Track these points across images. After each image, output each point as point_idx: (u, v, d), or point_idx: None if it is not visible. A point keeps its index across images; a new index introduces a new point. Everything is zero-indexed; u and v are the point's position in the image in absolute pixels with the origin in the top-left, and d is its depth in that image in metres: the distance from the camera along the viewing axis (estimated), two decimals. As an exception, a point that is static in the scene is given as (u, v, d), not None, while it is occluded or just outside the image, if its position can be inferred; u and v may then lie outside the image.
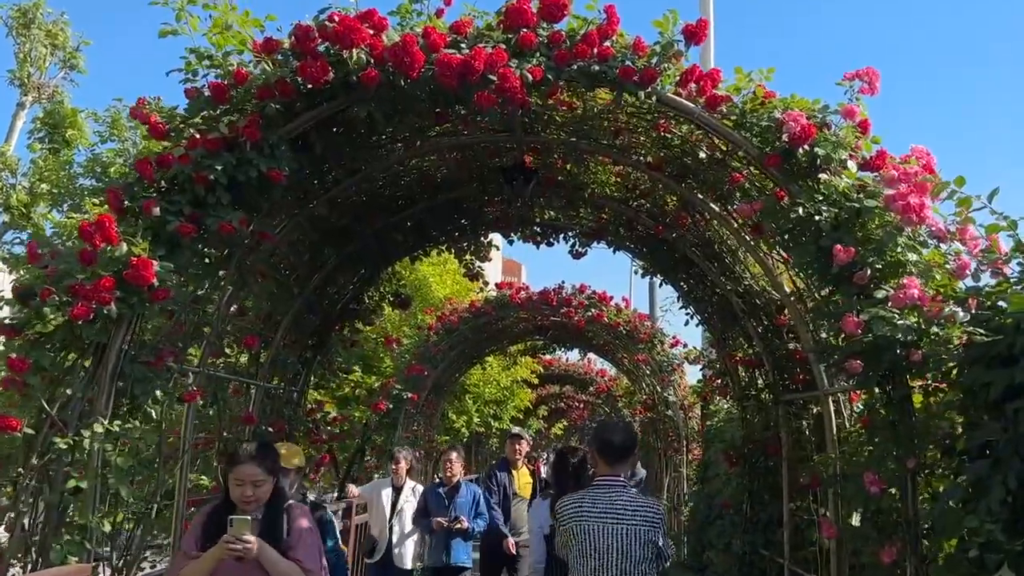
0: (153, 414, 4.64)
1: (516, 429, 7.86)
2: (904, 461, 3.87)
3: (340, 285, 7.08)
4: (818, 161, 4.06)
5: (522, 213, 7.09)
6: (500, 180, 5.92)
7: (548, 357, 20.85)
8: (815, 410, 5.46)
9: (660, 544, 3.70)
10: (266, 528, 3.24)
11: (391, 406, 11.52)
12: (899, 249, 3.82)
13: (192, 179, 4.04)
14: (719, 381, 7.40)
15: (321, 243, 6.02)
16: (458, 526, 6.92)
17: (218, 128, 4.04)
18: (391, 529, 7.15)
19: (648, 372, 12.13)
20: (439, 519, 6.88)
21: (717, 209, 5.29)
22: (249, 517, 3.15)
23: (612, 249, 7.29)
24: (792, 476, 5.95)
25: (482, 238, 7.57)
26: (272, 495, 3.33)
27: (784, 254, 5.04)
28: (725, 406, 10.49)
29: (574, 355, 19.06)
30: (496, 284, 11.88)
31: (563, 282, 11.68)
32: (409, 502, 7.24)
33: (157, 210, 3.95)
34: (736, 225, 5.26)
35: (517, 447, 7.52)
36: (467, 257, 7.66)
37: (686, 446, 11.40)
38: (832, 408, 5.07)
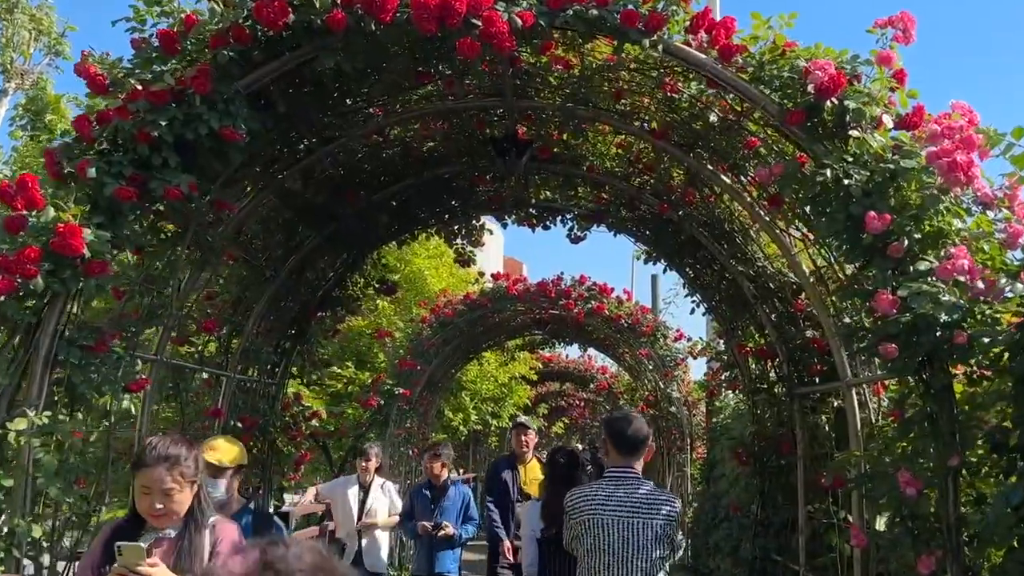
0: (109, 406, 4.20)
1: (522, 418, 7.26)
2: (945, 459, 3.38)
3: (320, 270, 6.59)
4: (847, 118, 3.56)
5: (517, 194, 6.60)
6: (491, 152, 5.42)
7: (547, 353, 20.38)
8: (836, 403, 4.96)
9: (676, 540, 3.64)
10: (181, 552, 2.59)
11: (382, 402, 11.02)
12: (942, 216, 3.33)
13: (134, 136, 3.55)
14: (727, 374, 6.90)
15: (296, 222, 5.53)
16: (442, 533, 6.42)
17: (163, 79, 3.55)
18: (360, 531, 6.68)
19: (651, 367, 11.63)
20: (424, 523, 6.40)
21: (728, 181, 4.79)
22: (143, 544, 2.49)
23: (613, 232, 6.80)
24: (808, 476, 5.46)
25: (474, 221, 7.08)
26: (192, 508, 2.66)
27: (804, 230, 4.55)
28: (732, 402, 10.01)
29: (574, 351, 18.58)
30: (492, 275, 11.39)
31: (562, 273, 11.19)
32: (380, 501, 6.76)
33: (92, 171, 3.46)
34: (750, 199, 4.76)
35: (524, 438, 6.88)
36: (458, 242, 7.16)
37: (690, 444, 10.90)
38: (856, 401, 4.57)
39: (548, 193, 6.72)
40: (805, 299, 5.11)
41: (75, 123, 3.70)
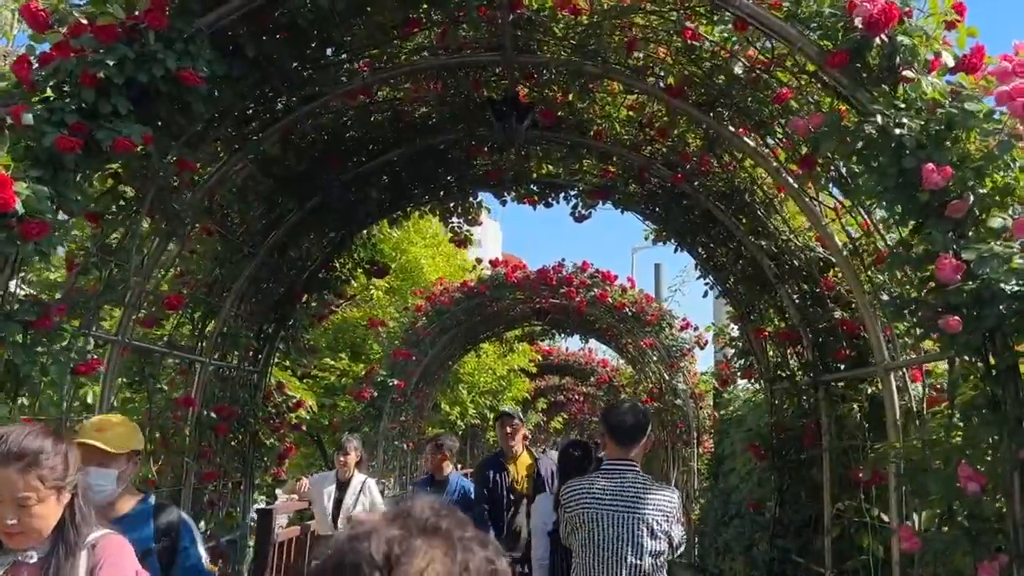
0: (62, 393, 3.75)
1: (507, 408, 6.69)
2: (1011, 450, 2.93)
3: (305, 250, 6.12)
4: (897, 59, 3.10)
5: (517, 168, 6.13)
6: (489, 118, 4.95)
7: (547, 346, 19.93)
8: (870, 390, 4.50)
9: (675, 536, 3.44)
10: None
11: (375, 394, 10.57)
12: (1011, 169, 2.88)
13: (78, 79, 3.08)
14: (742, 362, 6.44)
15: (275, 192, 5.05)
16: None
17: (110, 12, 3.07)
18: (336, 529, 6.24)
19: (655, 358, 11.17)
20: None
21: (752, 144, 4.32)
22: None
23: (620, 209, 6.33)
24: (835, 470, 5.02)
25: (470, 198, 6.61)
26: (62, 522, 2.03)
27: (837, 199, 4.09)
28: (741, 394, 9.55)
29: (574, 343, 18.14)
30: (490, 261, 10.93)
31: (563, 259, 10.72)
32: (360, 498, 6.31)
33: (29, 117, 2.98)
34: (776, 164, 4.30)
35: (508, 429, 5.94)
36: (454, 221, 6.69)
37: (696, 438, 10.45)
38: (894, 387, 4.12)
39: (550, 167, 6.25)
40: (835, 276, 4.65)
41: (14, 66, 3.23)
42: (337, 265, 6.43)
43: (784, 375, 5.54)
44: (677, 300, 11.67)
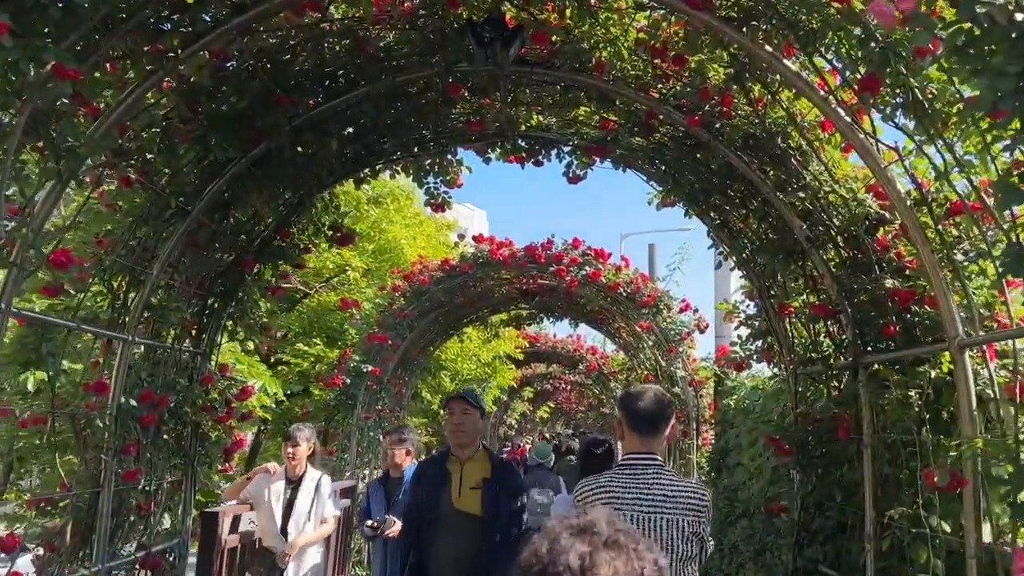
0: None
1: (464, 388, 5.26)
2: None
3: (255, 211, 5.24)
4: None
5: (502, 118, 5.27)
6: (469, 44, 4.09)
7: (534, 332, 19.12)
8: (933, 374, 3.68)
9: (704, 537, 3.05)
10: None
11: (348, 381, 9.71)
12: None
13: None
14: (758, 343, 5.63)
15: (211, 135, 4.16)
16: (390, 532, 5.12)
17: None
18: (286, 536, 5.41)
19: (651, 343, 10.36)
20: (370, 521, 5.15)
21: (795, 68, 3.48)
22: None
23: (621, 168, 5.48)
24: (877, 469, 4.22)
25: (448, 155, 5.74)
26: None
27: (904, 129, 3.26)
28: (747, 381, 8.76)
29: (563, 329, 17.34)
30: (473, 237, 10.06)
31: (553, 235, 9.88)
32: (314, 499, 5.49)
33: None
34: (824, 93, 3.46)
35: (454, 419, 4.22)
36: (429, 181, 5.82)
37: (697, 429, 9.65)
38: (969, 369, 3.32)
39: (541, 118, 5.39)
40: (890, 233, 3.84)
41: None
42: (294, 231, 5.56)
43: (815, 357, 4.73)
44: (676, 280, 11.01)
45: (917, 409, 3.72)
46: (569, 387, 27.50)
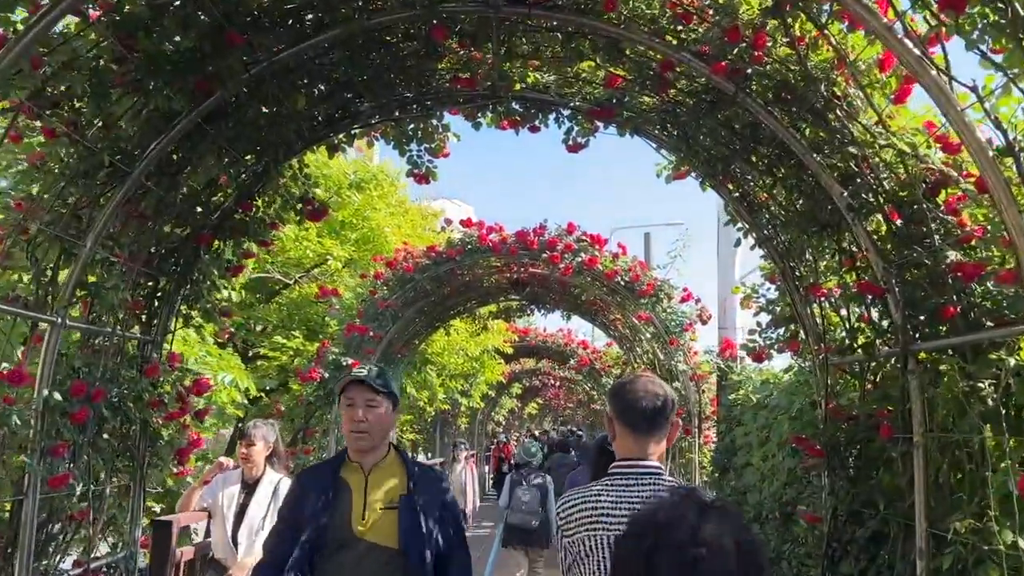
0: None
1: (359, 370, 3.24)
2: None
3: (212, 179, 4.60)
4: None
5: (494, 76, 4.64)
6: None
7: (523, 326, 18.53)
8: (1012, 361, 3.09)
9: None
10: None
11: (326, 375, 9.06)
12: None
13: None
14: (780, 332, 5.03)
15: (151, 79, 3.51)
16: None
17: None
18: (236, 546, 4.78)
19: (649, 335, 9.75)
20: None
21: (851, -7, 2.87)
22: None
23: (628, 133, 4.86)
24: (929, 473, 3.64)
25: (433, 120, 5.11)
26: None
27: (989, 62, 2.65)
28: (754, 375, 8.18)
29: (553, 323, 16.74)
30: (461, 222, 9.43)
31: (546, 220, 9.26)
32: (270, 504, 4.88)
33: None
34: (887, 20, 2.85)
35: (360, 414, 2.99)
36: (412, 149, 5.19)
37: (699, 427, 9.06)
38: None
39: (538, 76, 4.77)
40: (956, 195, 3.24)
41: None
42: (259, 203, 4.91)
43: (854, 345, 4.13)
44: (677, 267, 10.39)
45: (992, 403, 3.13)
46: (558, 383, 26.94)
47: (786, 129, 3.85)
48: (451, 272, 9.60)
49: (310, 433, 9.25)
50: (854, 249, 4.08)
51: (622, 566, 1.42)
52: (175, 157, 4.15)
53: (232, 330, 5.61)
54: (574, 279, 9.62)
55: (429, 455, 19.41)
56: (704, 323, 9.25)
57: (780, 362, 8.80)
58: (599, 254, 9.08)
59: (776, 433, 6.37)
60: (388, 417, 3.01)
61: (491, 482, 22.65)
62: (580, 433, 23.91)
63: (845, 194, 3.77)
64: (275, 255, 14.29)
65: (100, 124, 3.61)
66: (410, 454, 3.17)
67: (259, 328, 13.79)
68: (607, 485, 2.53)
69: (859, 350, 4.10)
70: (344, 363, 9.01)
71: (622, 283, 9.13)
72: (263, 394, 13.59)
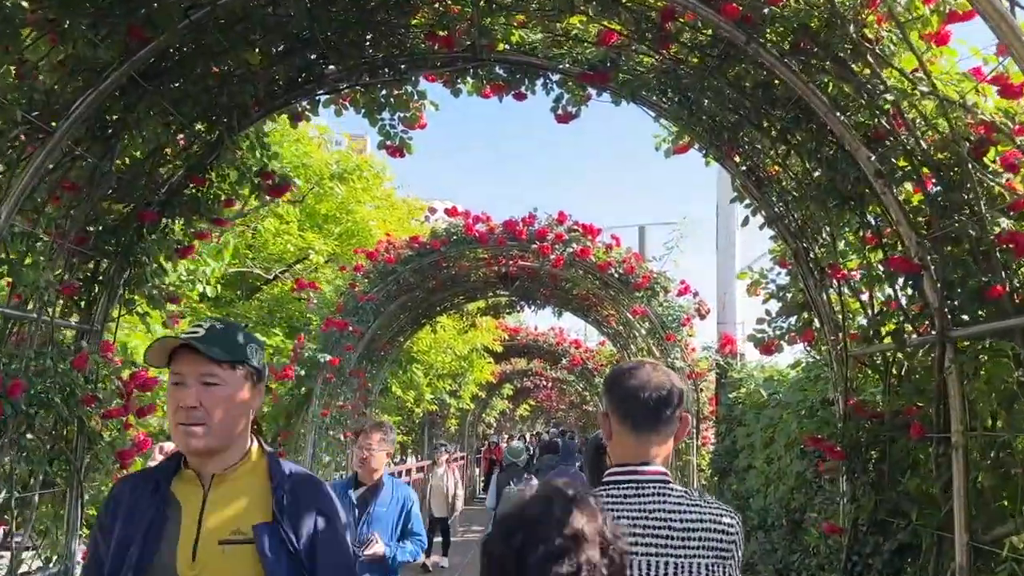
0: None
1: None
2: None
3: (158, 146, 4.09)
4: None
5: (474, 35, 4.15)
6: None
7: (513, 324, 18.04)
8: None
9: None
10: None
11: (302, 373, 8.55)
12: None
13: None
14: (792, 321, 4.55)
15: (68, 18, 3.01)
16: (368, 552, 4.26)
17: None
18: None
19: (644, 331, 9.27)
20: None
21: None
22: None
23: (623, 99, 4.38)
24: (969, 476, 3.16)
25: (407, 87, 4.61)
26: None
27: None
28: (755, 372, 7.70)
29: (545, 321, 16.27)
30: (446, 210, 8.92)
31: (535, 209, 8.77)
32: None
33: None
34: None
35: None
36: (384, 117, 4.68)
37: (697, 427, 8.58)
38: None
39: (524, 34, 4.27)
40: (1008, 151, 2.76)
41: None
42: (212, 177, 4.40)
43: (883, 331, 3.64)
44: (674, 258, 9.82)
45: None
46: (550, 384, 26.44)
47: (805, 85, 3.37)
48: (436, 264, 9.10)
49: (285, 436, 8.74)
50: (880, 223, 3.61)
51: (495, 567, 1.44)
52: (109, 119, 3.64)
53: (181, 318, 5.15)
54: (565, 272, 9.13)
55: (418, 457, 18.90)
56: (702, 318, 8.78)
57: (784, 358, 8.32)
58: (592, 245, 8.60)
59: (783, 433, 5.89)
60: (240, 399, 1.94)
61: (482, 485, 22.12)
62: (571, 432, 23.43)
63: (873, 158, 3.29)
64: (256, 251, 13.82)
65: (13, 73, 3.10)
66: (282, 458, 2.10)
67: (242, 326, 13.26)
68: (603, 497, 2.06)
69: (885, 338, 3.62)
70: (322, 360, 8.51)
71: (616, 275, 8.65)
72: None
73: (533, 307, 11.49)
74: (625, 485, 2.03)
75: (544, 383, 26.35)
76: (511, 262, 9.43)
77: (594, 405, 20.12)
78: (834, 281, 4.14)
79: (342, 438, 9.18)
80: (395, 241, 9.07)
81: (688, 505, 2.00)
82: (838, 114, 3.35)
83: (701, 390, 8.68)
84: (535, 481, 9.49)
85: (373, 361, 10.38)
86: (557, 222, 8.69)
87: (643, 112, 4.45)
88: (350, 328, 8.65)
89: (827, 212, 3.77)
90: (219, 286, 12.15)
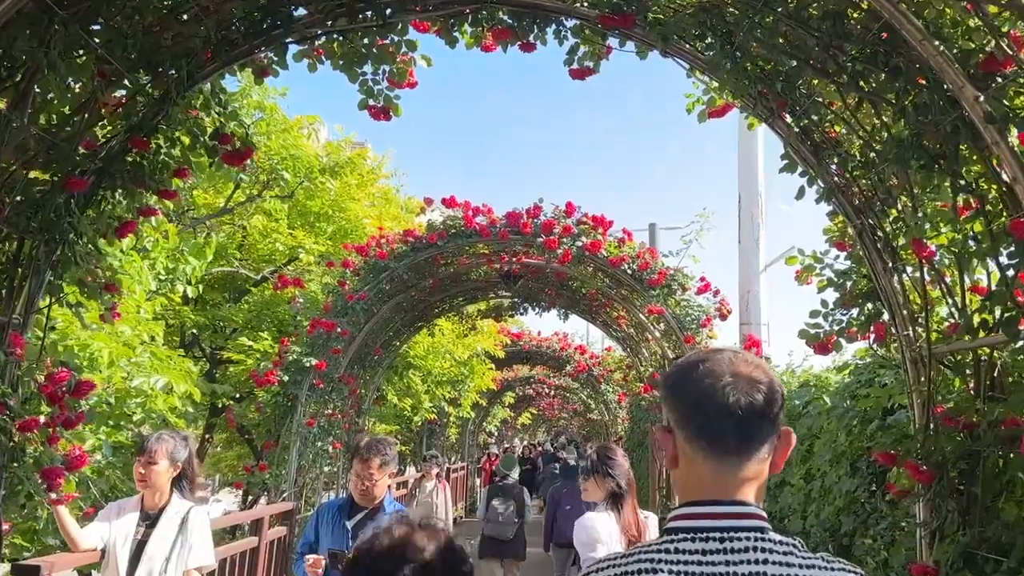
0: None
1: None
2: None
3: (89, 102, 3.36)
4: None
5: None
6: None
7: (515, 330, 17.30)
8: None
9: None
10: None
11: (286, 378, 7.80)
12: None
13: None
14: (853, 314, 3.80)
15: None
16: None
17: None
18: None
19: (659, 333, 8.51)
20: (312, 557, 3.61)
21: None
22: None
23: (651, 49, 3.65)
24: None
25: (394, 35, 3.88)
26: None
27: None
28: (787, 377, 6.94)
29: (550, 325, 15.50)
30: (443, 200, 8.19)
31: (541, 200, 8.03)
32: (176, 540, 3.70)
33: None
34: None
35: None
36: (366, 73, 3.95)
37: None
38: None
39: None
40: None
41: None
42: (159, 141, 3.67)
43: (991, 321, 2.90)
44: (692, 253, 9.14)
45: None
46: (552, 391, 25.65)
47: (894, 6, 2.63)
48: (433, 261, 8.37)
49: (268, 447, 7.98)
50: (980, 184, 2.87)
51: None
52: (15, 56, 2.91)
53: (120, 312, 4.44)
54: (573, 269, 8.40)
55: (417, 468, 18.09)
56: (723, 318, 8.01)
57: (821, 360, 7.58)
58: (602, 238, 7.85)
59: (827, 447, 5.15)
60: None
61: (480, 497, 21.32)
62: (576, 442, 22.67)
63: (982, 98, 2.55)
64: (246, 251, 13.08)
65: None
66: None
67: (231, 331, 12.56)
68: (666, 554, 1.35)
69: (980, 332, 2.87)
70: (307, 364, 7.76)
71: (629, 271, 7.90)
72: (233, 401, 12.33)
73: (537, 309, 10.73)
74: (703, 536, 1.33)
75: (546, 390, 25.58)
76: (515, 259, 8.70)
77: (598, 413, 19.25)
78: (907, 265, 3.41)
79: (331, 449, 8.42)
80: (388, 235, 8.33)
81: (802, 567, 1.30)
82: (938, 43, 2.62)
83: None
84: (525, 491, 8.98)
85: (366, 366, 9.63)
86: (565, 214, 7.95)
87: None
88: (338, 329, 7.90)
89: (915, 172, 3.03)
90: (203, 287, 11.43)
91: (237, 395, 12.61)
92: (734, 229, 8.57)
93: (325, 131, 11.91)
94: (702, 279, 7.94)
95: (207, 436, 15.20)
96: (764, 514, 1.42)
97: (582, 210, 8.04)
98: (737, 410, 1.36)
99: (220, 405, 12.55)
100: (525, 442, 37.23)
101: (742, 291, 7.95)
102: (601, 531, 3.89)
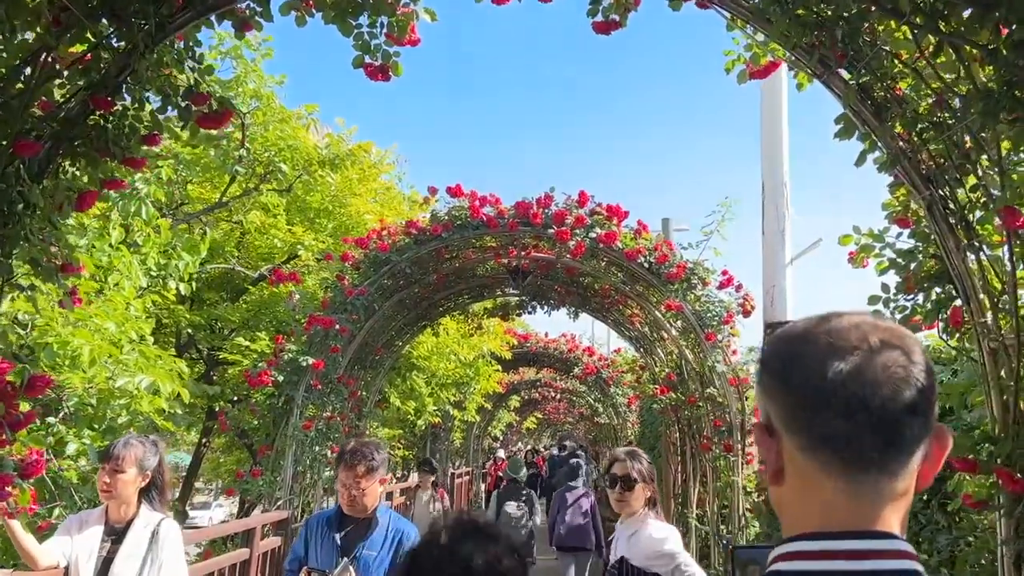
0: None
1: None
2: None
3: (40, 54, 2.91)
4: None
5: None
6: None
7: (522, 332, 16.84)
8: None
9: None
10: None
11: (280, 379, 7.34)
12: None
13: None
14: (919, 300, 3.34)
15: None
16: None
17: None
18: None
19: (675, 331, 8.03)
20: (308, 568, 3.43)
21: None
22: None
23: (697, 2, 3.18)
24: None
25: (396, -15, 3.42)
26: None
27: None
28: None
29: (558, 325, 15.03)
30: (448, 189, 7.72)
31: (552, 189, 7.56)
32: (147, 557, 3.30)
33: None
34: None
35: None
36: (362, 26, 3.49)
37: (742, 442, 7.33)
38: None
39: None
40: None
41: None
42: (125, 103, 3.21)
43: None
44: (713, 246, 8.68)
45: None
46: (559, 395, 25.15)
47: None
48: (437, 254, 7.91)
49: (263, 452, 7.52)
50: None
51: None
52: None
53: (82, 297, 4.02)
54: (585, 264, 7.93)
55: (415, 477, 17.60)
56: (747, 315, 7.53)
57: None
58: (618, 229, 7.38)
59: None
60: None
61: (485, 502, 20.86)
62: (582, 447, 22.15)
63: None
64: (244, 248, 12.66)
65: None
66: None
67: (228, 331, 12.14)
68: None
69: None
70: (304, 364, 7.30)
71: (646, 265, 7.43)
72: (230, 405, 11.88)
73: (546, 307, 10.25)
74: None
75: (553, 394, 25.08)
76: (524, 252, 8.23)
77: (606, 418, 18.68)
78: (983, 243, 2.94)
79: (329, 454, 7.95)
80: (390, 226, 7.87)
81: None
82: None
83: (746, 398, 7.44)
84: (534, 494, 9.50)
85: (366, 367, 9.16)
86: (578, 204, 7.49)
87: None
88: (337, 327, 7.44)
89: (1009, 125, 2.56)
90: (199, 286, 11.00)
91: (235, 397, 12.18)
92: (756, 220, 8.09)
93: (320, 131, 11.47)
94: (724, 272, 7.46)
95: (204, 440, 14.77)
96: (914, 551, 0.98)
97: (596, 199, 7.57)
98: (872, 407, 0.93)
99: (219, 408, 12.14)
100: (529, 446, 36.70)
101: (766, 286, 7.46)
102: (678, 540, 3.58)
